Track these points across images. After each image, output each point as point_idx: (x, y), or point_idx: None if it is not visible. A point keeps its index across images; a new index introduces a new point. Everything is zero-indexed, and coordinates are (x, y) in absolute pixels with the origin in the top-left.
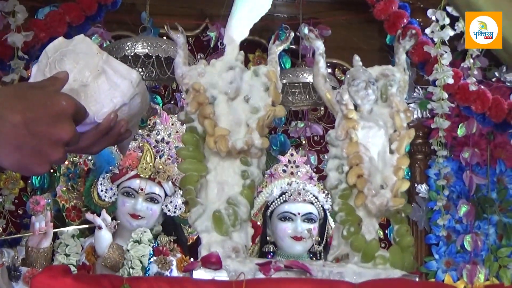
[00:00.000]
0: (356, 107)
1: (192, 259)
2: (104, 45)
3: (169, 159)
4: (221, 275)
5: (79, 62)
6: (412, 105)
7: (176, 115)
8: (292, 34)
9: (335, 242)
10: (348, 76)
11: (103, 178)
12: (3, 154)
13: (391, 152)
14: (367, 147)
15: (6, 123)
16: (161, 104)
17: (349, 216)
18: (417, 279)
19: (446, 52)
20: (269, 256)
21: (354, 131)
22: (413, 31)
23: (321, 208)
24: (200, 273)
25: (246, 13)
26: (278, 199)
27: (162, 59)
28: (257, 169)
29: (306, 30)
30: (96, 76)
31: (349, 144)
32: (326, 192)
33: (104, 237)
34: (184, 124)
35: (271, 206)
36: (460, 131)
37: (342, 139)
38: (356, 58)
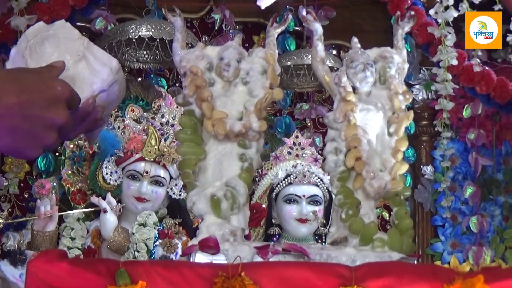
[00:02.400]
0: (354, 89)
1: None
2: (109, 27)
3: (174, 142)
4: (219, 259)
5: (60, 46)
6: (417, 86)
7: None
8: (290, 16)
9: (333, 224)
10: (346, 58)
11: (108, 161)
12: None
13: (390, 134)
14: (365, 130)
15: (1, 104)
16: (166, 87)
17: (348, 199)
18: (415, 262)
19: (450, 33)
20: (274, 239)
21: (352, 113)
22: (412, 13)
23: (326, 190)
24: (199, 257)
25: None
26: (283, 182)
27: (167, 41)
28: (256, 152)
29: (303, 12)
30: (77, 61)
31: (347, 126)
32: None
33: (109, 220)
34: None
35: (276, 188)
36: (466, 113)
37: (341, 122)
38: (354, 40)
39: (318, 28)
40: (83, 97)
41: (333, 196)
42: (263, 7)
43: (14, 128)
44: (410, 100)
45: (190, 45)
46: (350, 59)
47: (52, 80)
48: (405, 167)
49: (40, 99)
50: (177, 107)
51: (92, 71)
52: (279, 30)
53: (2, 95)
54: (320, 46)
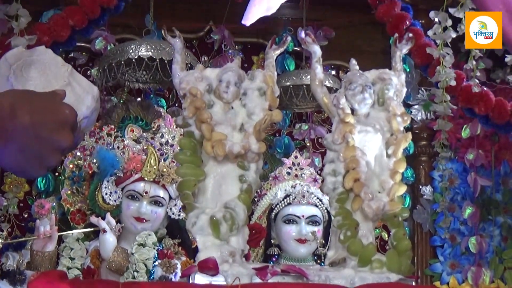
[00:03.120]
0: (353, 111)
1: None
2: (108, 48)
3: (173, 162)
4: (219, 280)
5: (46, 72)
6: (416, 106)
7: None
8: (289, 38)
9: (332, 246)
10: (345, 80)
11: (108, 181)
12: (6, 153)
13: (388, 156)
14: (364, 151)
15: (17, 122)
16: (165, 107)
17: (346, 220)
18: (413, 283)
19: (448, 54)
20: (274, 259)
21: (350, 135)
22: (410, 35)
23: (325, 211)
24: (198, 278)
25: None
26: (282, 202)
27: (166, 62)
28: (255, 174)
29: (302, 35)
30: (62, 87)
31: (346, 148)
32: None
33: (109, 240)
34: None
35: (276, 208)
36: (464, 133)
37: (339, 143)
38: (353, 62)
39: (317, 50)
40: None
41: (332, 217)
42: (248, 25)
43: (25, 148)
44: (408, 122)
45: (189, 65)
46: (349, 81)
47: (61, 104)
48: (403, 189)
49: (50, 121)
50: (177, 127)
51: (77, 98)
52: (278, 52)
53: (19, 114)
54: (319, 69)
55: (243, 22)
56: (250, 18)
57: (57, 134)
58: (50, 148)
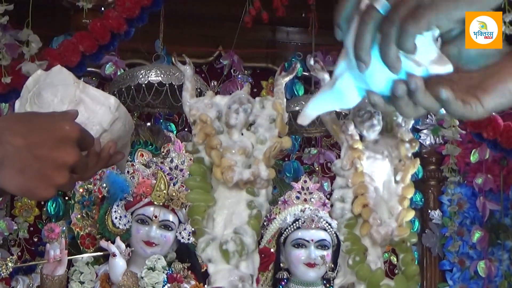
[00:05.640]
0: (361, 137)
1: (206, 286)
2: (118, 73)
3: (183, 186)
4: None
5: (57, 95)
6: (425, 131)
7: None
8: (298, 65)
9: (341, 271)
10: (353, 106)
11: (117, 206)
12: (7, 177)
13: (396, 182)
14: (372, 177)
15: (8, 146)
16: (175, 132)
17: (355, 246)
18: None
19: None
20: (283, 283)
21: (359, 161)
22: None
23: (334, 235)
24: None
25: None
26: (292, 226)
27: (176, 86)
28: (264, 200)
29: (311, 62)
30: (74, 107)
31: (354, 174)
32: None
33: (119, 264)
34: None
35: (285, 233)
36: (473, 157)
37: (348, 169)
38: None
39: (326, 77)
40: None
41: (341, 242)
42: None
43: (24, 169)
44: (416, 148)
45: (199, 90)
46: (357, 107)
47: (61, 120)
48: (411, 214)
49: (48, 138)
50: (186, 152)
51: (91, 114)
52: (287, 79)
53: (9, 137)
54: None
55: (299, 122)
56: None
57: (57, 151)
58: (53, 166)
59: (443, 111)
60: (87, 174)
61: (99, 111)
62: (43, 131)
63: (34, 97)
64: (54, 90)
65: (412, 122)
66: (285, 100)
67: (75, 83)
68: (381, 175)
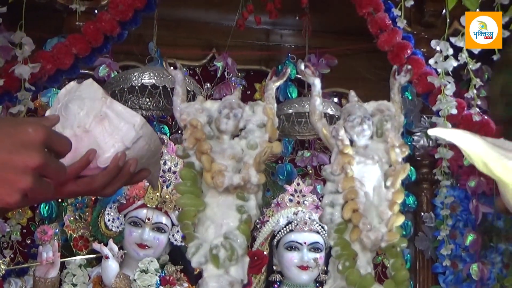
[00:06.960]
0: (352, 142)
1: None
2: (112, 75)
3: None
4: None
5: (83, 108)
6: (418, 134)
7: None
8: (289, 70)
9: (330, 276)
10: (344, 111)
11: (110, 208)
12: None
13: (386, 187)
14: (362, 182)
15: None
16: (168, 134)
17: (344, 251)
18: None
19: (449, 82)
20: (276, 286)
21: (349, 166)
22: (409, 67)
23: (327, 237)
24: None
25: None
26: (284, 229)
27: (169, 89)
28: (254, 204)
29: (302, 67)
30: (99, 122)
31: (344, 179)
32: None
33: (111, 267)
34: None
35: (278, 235)
36: (466, 161)
37: (338, 174)
38: (352, 93)
39: (317, 83)
40: (105, 157)
41: (331, 247)
42: None
43: None
44: (407, 153)
45: (192, 93)
46: (348, 112)
47: (25, 124)
48: (401, 219)
49: (7, 143)
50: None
51: (114, 130)
52: (278, 84)
53: None
54: (318, 101)
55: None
56: None
57: (16, 154)
58: (14, 170)
59: None
60: (108, 189)
61: (122, 128)
62: (3, 136)
63: (62, 109)
64: (81, 103)
65: (402, 127)
66: (275, 105)
67: (102, 98)
68: (372, 180)
